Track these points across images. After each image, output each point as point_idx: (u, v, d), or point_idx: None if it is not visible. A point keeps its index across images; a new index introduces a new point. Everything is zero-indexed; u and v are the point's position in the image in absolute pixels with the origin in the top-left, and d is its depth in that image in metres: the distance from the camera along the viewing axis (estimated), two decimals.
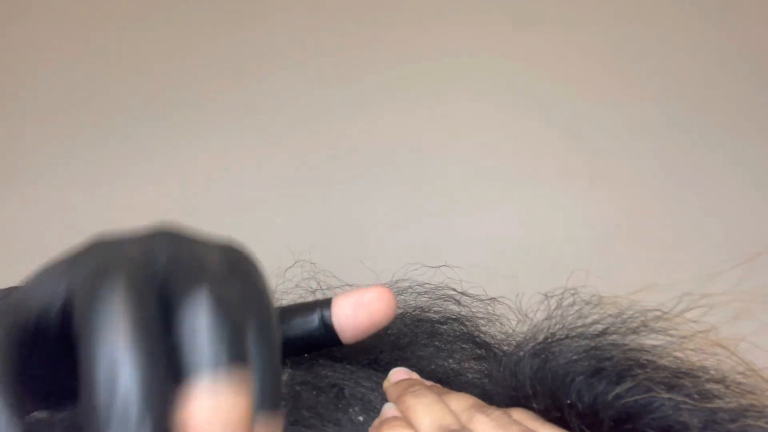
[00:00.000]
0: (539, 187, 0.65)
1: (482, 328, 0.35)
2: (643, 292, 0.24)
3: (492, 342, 0.34)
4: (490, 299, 0.37)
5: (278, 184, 0.70)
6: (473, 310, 0.37)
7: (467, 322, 0.36)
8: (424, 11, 0.74)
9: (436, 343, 0.34)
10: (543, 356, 0.26)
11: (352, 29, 0.74)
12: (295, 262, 0.42)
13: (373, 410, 0.27)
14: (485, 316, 0.37)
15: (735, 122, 0.66)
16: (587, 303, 0.26)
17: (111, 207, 0.72)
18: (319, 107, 0.73)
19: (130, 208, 0.72)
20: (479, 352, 0.34)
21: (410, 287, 0.38)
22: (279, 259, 0.42)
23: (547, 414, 0.25)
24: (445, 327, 0.35)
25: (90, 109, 0.76)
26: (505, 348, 0.33)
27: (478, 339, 0.34)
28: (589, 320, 0.26)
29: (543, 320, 0.26)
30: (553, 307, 0.26)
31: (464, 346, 0.35)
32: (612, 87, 0.68)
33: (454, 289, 0.38)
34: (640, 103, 0.67)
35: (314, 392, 0.27)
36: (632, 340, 0.24)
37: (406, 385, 0.28)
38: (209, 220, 0.68)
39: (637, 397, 0.22)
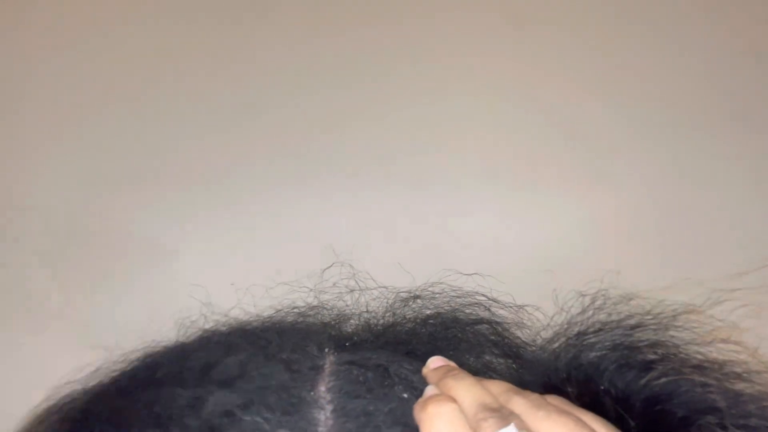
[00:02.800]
0: (541, 188, 0.67)
1: (511, 330, 0.37)
2: (671, 290, 0.26)
3: (520, 342, 0.36)
4: (518, 307, 0.40)
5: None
6: (503, 315, 0.39)
7: (496, 326, 0.38)
8: (424, 11, 0.75)
9: (469, 341, 0.36)
10: (578, 347, 0.28)
11: (352, 29, 0.76)
12: (333, 263, 0.45)
13: (415, 389, 0.29)
14: (513, 321, 0.39)
15: (735, 122, 0.68)
16: (619, 301, 0.28)
17: (111, 207, 0.73)
18: (316, 108, 0.74)
19: (130, 208, 0.73)
20: (508, 351, 0.36)
21: (444, 291, 0.41)
22: (318, 258, 0.45)
23: (580, 399, 0.27)
24: (476, 328, 0.37)
25: (89, 109, 0.78)
26: (532, 349, 0.35)
27: (507, 339, 0.36)
28: (621, 316, 0.28)
29: (577, 314, 0.29)
30: (587, 304, 0.29)
31: (494, 346, 0.37)
32: (612, 87, 0.70)
33: (485, 296, 0.40)
34: (640, 103, 0.68)
35: (362, 369, 0.29)
36: (661, 335, 0.27)
37: (446, 370, 0.30)
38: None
39: (665, 380, 0.25)
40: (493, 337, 0.36)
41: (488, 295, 0.40)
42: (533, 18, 0.73)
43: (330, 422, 0.26)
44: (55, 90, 0.78)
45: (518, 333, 0.37)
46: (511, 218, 0.69)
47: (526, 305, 0.39)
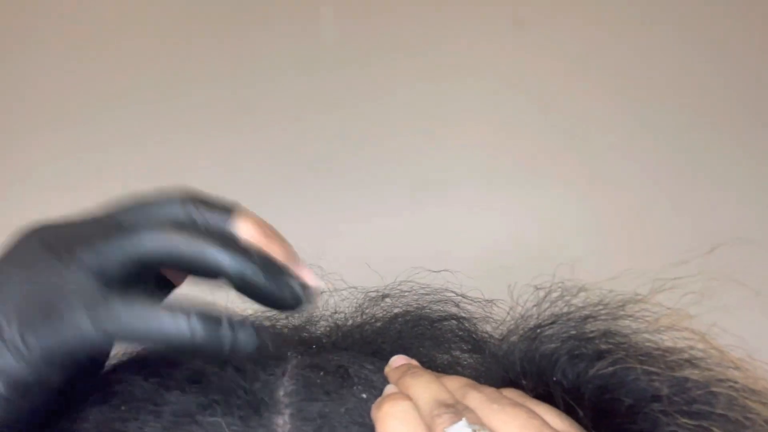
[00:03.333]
0: (538, 186, 0.67)
1: (478, 325, 0.38)
2: (621, 278, 0.27)
3: (487, 337, 0.36)
4: (487, 301, 0.40)
5: (282, 184, 0.72)
6: (471, 310, 0.39)
7: (465, 322, 0.38)
8: (424, 11, 0.76)
9: (437, 337, 0.36)
10: (532, 340, 0.28)
11: (352, 30, 0.76)
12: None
13: (375, 389, 0.29)
14: (482, 316, 0.39)
15: (735, 122, 0.68)
16: (572, 292, 0.28)
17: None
18: (318, 107, 0.74)
19: None
20: (475, 346, 0.36)
21: (413, 289, 0.41)
22: None
23: (534, 391, 0.28)
24: (444, 324, 0.38)
25: (90, 109, 0.78)
26: (496, 342, 0.35)
27: (475, 335, 0.37)
28: (573, 308, 0.28)
29: (533, 307, 0.29)
30: (542, 297, 0.29)
31: (462, 342, 0.37)
32: (612, 87, 0.70)
33: (454, 292, 0.41)
34: (640, 104, 0.69)
35: (321, 372, 0.30)
36: (611, 324, 0.27)
37: (406, 368, 0.30)
38: None
39: (614, 369, 0.25)
40: (460, 333, 0.37)
41: (456, 291, 0.41)
42: (533, 18, 0.74)
43: (288, 426, 0.27)
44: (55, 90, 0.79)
45: (486, 327, 0.38)
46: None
47: (495, 300, 0.40)
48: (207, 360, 0.29)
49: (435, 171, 0.72)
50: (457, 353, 0.36)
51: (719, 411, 0.23)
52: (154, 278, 0.31)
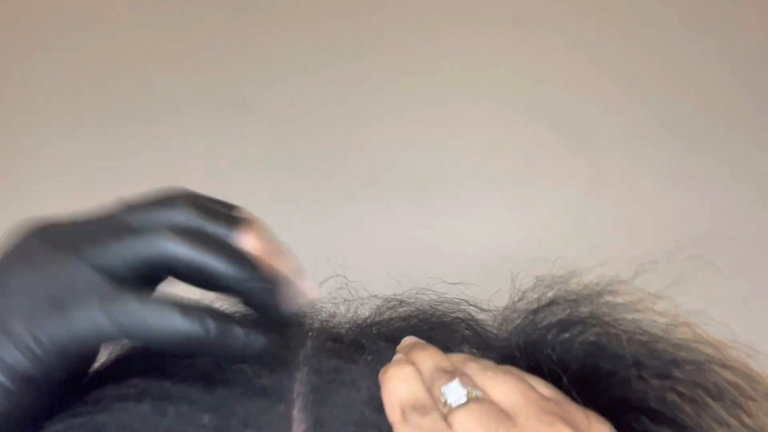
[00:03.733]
0: (538, 185, 0.69)
1: (487, 328, 0.40)
2: (604, 266, 0.30)
3: (493, 336, 0.39)
4: (497, 310, 0.43)
5: (282, 185, 0.73)
6: (482, 317, 0.42)
7: (474, 324, 0.41)
8: (424, 13, 0.77)
9: (447, 336, 0.40)
10: (530, 321, 0.32)
11: (352, 31, 0.77)
12: (330, 277, 0.48)
13: (385, 359, 0.33)
14: (491, 323, 0.42)
15: (736, 123, 0.69)
16: (564, 280, 0.32)
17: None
18: (318, 107, 0.75)
19: None
20: (482, 345, 0.39)
21: (429, 297, 0.44)
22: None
23: (527, 364, 0.31)
24: (455, 325, 0.41)
25: (89, 109, 0.79)
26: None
27: (482, 334, 0.39)
28: (564, 293, 0.31)
29: (531, 292, 0.32)
30: (544, 286, 0.32)
31: (470, 343, 0.40)
32: (612, 88, 0.71)
33: (467, 301, 0.44)
34: (641, 105, 0.70)
35: (336, 344, 0.33)
36: (595, 305, 0.30)
37: (414, 342, 0.34)
38: None
39: (594, 339, 0.28)
40: (467, 332, 0.40)
41: (470, 301, 0.44)
42: (533, 18, 0.74)
43: (305, 378, 0.30)
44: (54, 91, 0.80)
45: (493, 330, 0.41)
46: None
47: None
48: (218, 359, 0.29)
49: (435, 171, 0.73)
50: (466, 347, 0.39)
51: (688, 377, 0.26)
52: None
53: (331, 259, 0.48)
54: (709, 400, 0.24)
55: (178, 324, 0.26)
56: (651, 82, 0.74)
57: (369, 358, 0.32)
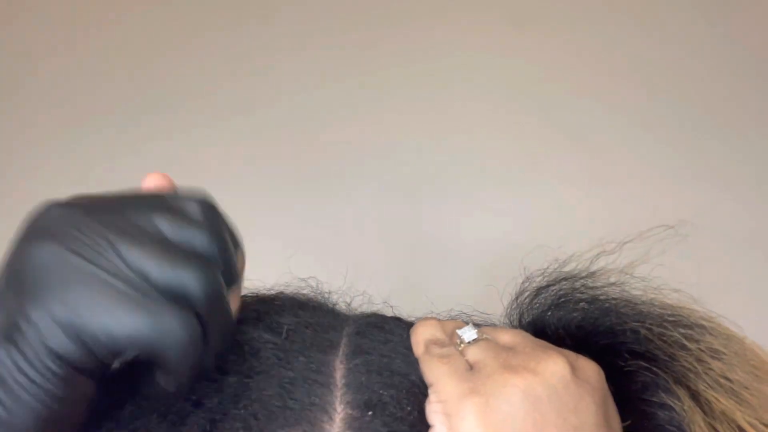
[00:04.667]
0: (538, 185, 0.71)
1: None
2: (596, 249, 0.37)
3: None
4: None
5: (282, 186, 0.75)
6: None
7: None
8: (424, 11, 0.78)
9: None
10: (535, 295, 0.39)
11: (351, 29, 0.79)
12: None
13: None
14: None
15: (738, 121, 0.71)
16: (563, 265, 0.39)
17: None
18: (318, 107, 0.77)
19: None
20: None
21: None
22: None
23: (533, 326, 0.37)
24: None
25: (89, 108, 0.81)
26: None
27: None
28: (563, 275, 0.39)
29: (537, 277, 0.39)
30: (550, 269, 0.39)
31: None
32: (612, 87, 0.73)
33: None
34: (640, 103, 0.72)
35: (376, 318, 0.40)
36: (589, 280, 0.37)
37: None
38: None
39: (589, 306, 0.35)
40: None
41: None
42: (533, 18, 0.76)
43: (345, 340, 0.37)
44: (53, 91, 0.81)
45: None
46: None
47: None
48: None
49: (435, 171, 0.75)
50: None
51: (656, 318, 0.33)
52: None
53: (338, 257, 0.53)
54: (675, 333, 0.31)
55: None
56: (651, 81, 0.76)
57: (403, 325, 0.39)
